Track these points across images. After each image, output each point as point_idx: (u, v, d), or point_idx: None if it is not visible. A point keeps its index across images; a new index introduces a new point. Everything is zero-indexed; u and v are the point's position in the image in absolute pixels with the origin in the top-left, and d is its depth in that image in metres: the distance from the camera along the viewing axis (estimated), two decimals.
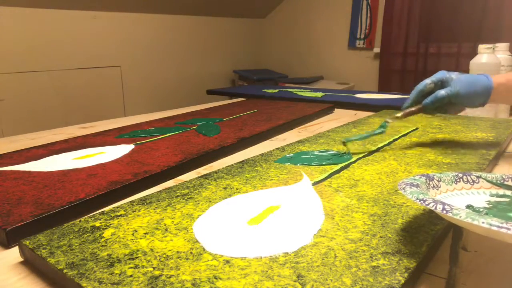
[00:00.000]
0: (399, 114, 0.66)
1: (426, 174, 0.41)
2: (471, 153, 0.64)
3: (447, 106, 0.65)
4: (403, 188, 0.35)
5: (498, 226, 0.26)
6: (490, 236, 0.28)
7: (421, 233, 0.38)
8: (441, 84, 0.65)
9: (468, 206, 0.37)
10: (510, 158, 0.70)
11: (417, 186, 0.36)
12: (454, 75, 0.64)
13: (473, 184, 0.41)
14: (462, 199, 0.39)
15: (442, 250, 0.38)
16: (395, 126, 0.82)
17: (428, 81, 0.65)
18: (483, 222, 0.27)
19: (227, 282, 0.30)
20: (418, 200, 0.32)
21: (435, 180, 0.40)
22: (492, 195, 0.40)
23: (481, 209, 0.37)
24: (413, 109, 0.66)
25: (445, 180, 0.41)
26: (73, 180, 0.53)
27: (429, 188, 0.39)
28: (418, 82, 0.67)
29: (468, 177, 0.42)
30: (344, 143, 0.66)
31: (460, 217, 0.28)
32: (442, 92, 0.63)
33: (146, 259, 0.34)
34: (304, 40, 2.93)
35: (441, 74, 0.65)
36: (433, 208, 0.30)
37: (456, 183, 0.41)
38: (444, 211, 0.29)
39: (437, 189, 0.39)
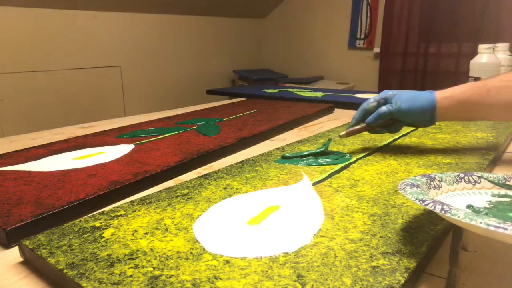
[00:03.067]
0: (342, 133, 0.66)
1: (427, 174, 0.41)
2: (471, 153, 0.64)
3: (393, 123, 0.65)
4: (403, 189, 0.35)
5: (496, 226, 0.26)
6: (489, 236, 0.28)
7: (421, 233, 0.37)
8: (385, 101, 0.64)
9: (469, 206, 0.37)
10: (510, 158, 0.70)
11: (418, 186, 0.36)
12: (396, 91, 0.64)
13: (474, 184, 0.41)
14: (463, 199, 0.39)
15: (442, 250, 0.38)
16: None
17: (371, 99, 0.66)
18: (480, 222, 0.27)
19: (227, 282, 0.30)
20: (417, 200, 0.32)
21: (436, 180, 0.40)
22: (493, 195, 0.40)
23: (481, 209, 0.37)
24: (357, 127, 0.66)
25: (446, 180, 0.41)
26: (73, 180, 0.53)
27: (430, 188, 0.38)
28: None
29: (470, 177, 0.42)
30: (283, 157, 0.63)
31: (459, 217, 0.28)
32: (383, 108, 0.63)
33: (146, 259, 0.34)
34: (304, 40, 2.93)
35: (384, 93, 0.65)
36: (432, 208, 0.30)
37: (457, 183, 0.41)
38: (443, 211, 0.29)
39: (438, 189, 0.39)
